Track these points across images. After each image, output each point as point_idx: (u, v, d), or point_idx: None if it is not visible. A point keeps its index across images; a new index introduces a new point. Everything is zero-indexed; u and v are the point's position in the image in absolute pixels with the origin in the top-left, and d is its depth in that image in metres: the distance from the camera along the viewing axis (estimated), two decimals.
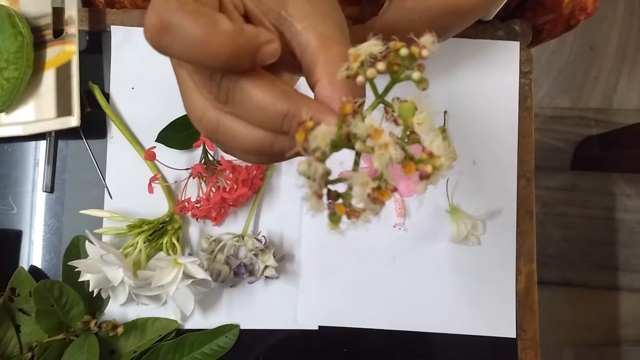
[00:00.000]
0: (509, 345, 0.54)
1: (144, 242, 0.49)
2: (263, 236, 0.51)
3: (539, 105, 1.36)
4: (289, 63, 0.26)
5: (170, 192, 0.52)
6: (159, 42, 0.22)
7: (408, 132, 0.21)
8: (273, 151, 0.25)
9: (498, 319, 0.54)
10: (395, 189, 0.21)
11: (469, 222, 0.53)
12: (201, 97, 0.26)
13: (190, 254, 0.53)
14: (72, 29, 0.52)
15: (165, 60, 0.55)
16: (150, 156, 0.49)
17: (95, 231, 0.50)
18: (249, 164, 0.51)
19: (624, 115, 1.38)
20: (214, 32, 0.21)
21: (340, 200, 0.21)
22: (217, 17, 0.22)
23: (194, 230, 0.53)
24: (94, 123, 0.53)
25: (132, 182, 0.53)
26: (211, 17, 0.22)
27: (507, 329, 0.54)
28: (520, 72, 0.56)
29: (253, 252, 0.51)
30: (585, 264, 1.33)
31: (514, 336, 0.54)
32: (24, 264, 0.52)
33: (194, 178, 0.50)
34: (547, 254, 1.32)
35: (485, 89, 0.55)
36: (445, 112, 0.55)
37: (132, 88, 0.54)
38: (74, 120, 0.51)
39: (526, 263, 0.55)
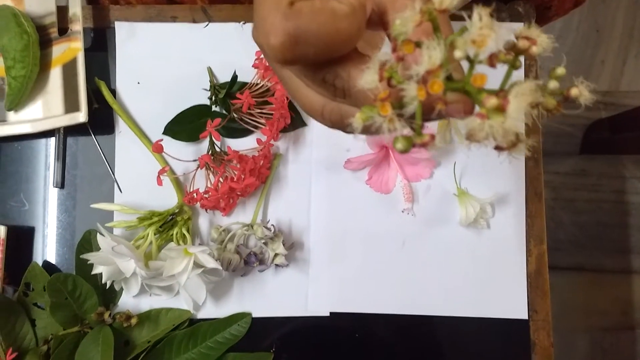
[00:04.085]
0: (521, 326, 0.54)
1: (155, 234, 0.49)
2: (272, 225, 0.52)
3: None
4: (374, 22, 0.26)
5: (179, 184, 0.53)
6: (294, 57, 0.22)
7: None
8: None
9: (510, 301, 0.54)
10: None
11: (477, 205, 0.53)
12: (315, 93, 0.26)
13: (200, 244, 0.53)
14: (77, 27, 0.53)
15: (170, 55, 0.55)
16: (157, 149, 0.50)
17: (107, 224, 0.50)
18: (256, 154, 0.51)
19: (633, 97, 1.36)
20: (337, 20, 0.21)
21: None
22: (330, 4, 0.22)
23: (203, 221, 0.54)
24: (102, 118, 0.54)
25: (141, 175, 0.53)
26: (326, 8, 0.22)
27: (519, 310, 0.54)
28: None
29: (263, 241, 0.51)
30: (597, 248, 1.32)
31: (526, 317, 0.54)
32: (38, 259, 0.53)
33: (201, 169, 0.51)
34: (558, 239, 1.31)
35: (490, 72, 0.55)
36: None
37: (138, 83, 0.54)
38: (81, 116, 0.51)
39: (536, 245, 0.54)
